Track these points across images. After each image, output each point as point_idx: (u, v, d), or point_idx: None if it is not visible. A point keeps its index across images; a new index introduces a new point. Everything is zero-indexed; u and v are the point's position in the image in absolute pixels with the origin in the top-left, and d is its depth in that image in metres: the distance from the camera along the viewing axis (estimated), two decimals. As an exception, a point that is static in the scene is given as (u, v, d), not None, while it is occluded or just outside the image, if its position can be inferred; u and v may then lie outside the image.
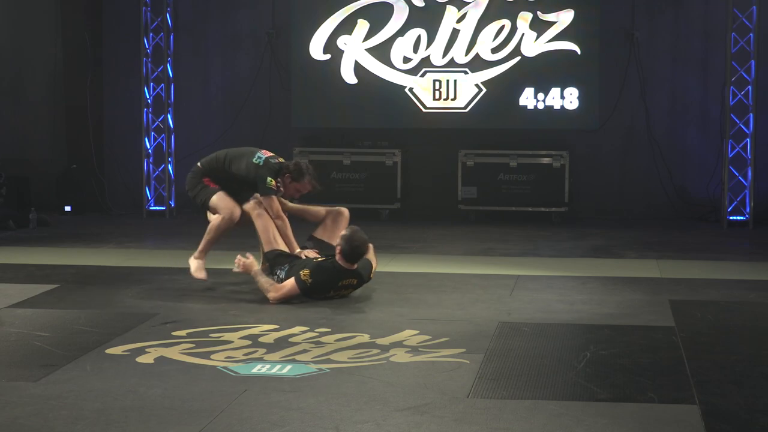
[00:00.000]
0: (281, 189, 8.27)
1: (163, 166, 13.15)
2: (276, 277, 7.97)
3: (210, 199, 8.39)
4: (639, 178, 12.89)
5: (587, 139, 12.79)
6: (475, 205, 12.65)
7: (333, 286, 7.79)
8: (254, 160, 8.27)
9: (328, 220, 8.41)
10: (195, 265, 8.38)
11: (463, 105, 12.65)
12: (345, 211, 8.45)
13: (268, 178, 8.16)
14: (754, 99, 12.14)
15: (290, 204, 8.51)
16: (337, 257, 7.77)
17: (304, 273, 7.70)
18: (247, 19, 13.37)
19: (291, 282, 7.73)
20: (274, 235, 8.17)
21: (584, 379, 5.74)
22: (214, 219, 8.46)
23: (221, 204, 8.36)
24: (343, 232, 7.84)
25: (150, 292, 8.11)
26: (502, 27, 12.53)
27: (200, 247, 8.43)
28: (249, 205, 8.31)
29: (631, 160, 12.93)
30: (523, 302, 7.85)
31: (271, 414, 5.11)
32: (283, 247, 8.16)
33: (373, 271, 8.01)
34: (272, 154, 8.39)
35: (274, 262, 8.10)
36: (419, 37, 12.65)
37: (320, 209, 8.52)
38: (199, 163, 8.59)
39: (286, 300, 7.69)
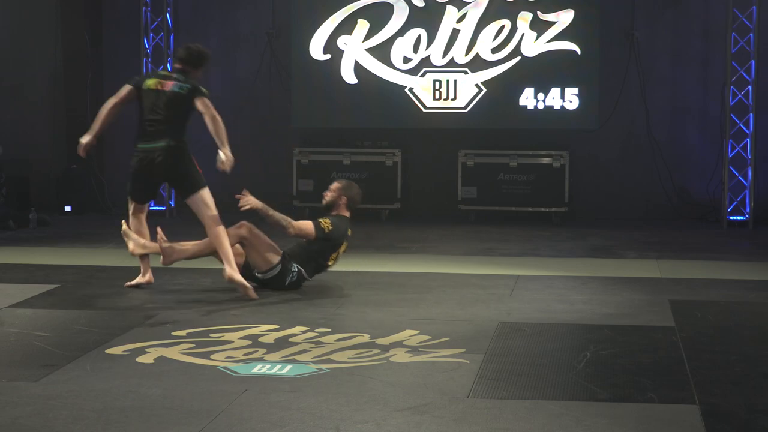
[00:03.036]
0: None
1: (163, 166, 13.13)
2: (292, 275, 8.14)
3: (205, 188, 8.05)
4: (639, 178, 12.89)
5: (587, 139, 12.79)
6: (475, 205, 12.65)
7: (345, 236, 8.25)
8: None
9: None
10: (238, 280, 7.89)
11: (463, 105, 12.65)
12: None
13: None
14: (754, 99, 12.14)
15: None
16: (342, 210, 8.32)
17: (325, 221, 8.14)
18: (247, 19, 13.38)
19: (309, 224, 8.09)
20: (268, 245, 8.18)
21: (584, 379, 5.74)
22: (219, 229, 7.97)
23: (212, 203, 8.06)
24: (341, 184, 8.42)
25: (150, 292, 8.10)
26: (502, 27, 12.53)
27: (228, 258, 7.89)
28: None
29: (631, 160, 12.93)
30: (523, 302, 7.85)
31: (271, 414, 5.11)
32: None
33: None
34: None
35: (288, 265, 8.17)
36: (419, 37, 12.65)
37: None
38: (173, 140, 8.12)
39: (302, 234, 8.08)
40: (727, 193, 12.21)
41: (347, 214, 8.39)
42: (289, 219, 8.11)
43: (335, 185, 8.45)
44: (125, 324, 7.01)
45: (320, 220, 8.18)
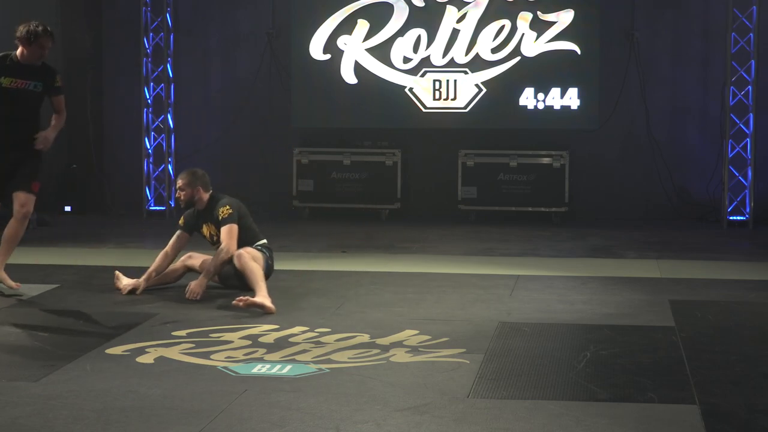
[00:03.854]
0: None
1: (163, 166, 13.15)
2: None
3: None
4: (639, 178, 12.89)
5: (587, 139, 12.79)
6: (475, 205, 12.65)
7: (240, 203, 8.12)
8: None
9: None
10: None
11: (463, 105, 12.65)
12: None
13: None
14: (754, 99, 12.14)
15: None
16: (204, 196, 8.04)
17: (222, 210, 7.93)
18: (247, 19, 13.38)
19: (227, 227, 7.86)
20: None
21: (584, 379, 5.74)
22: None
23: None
24: (185, 179, 8.04)
25: (150, 292, 8.10)
26: (502, 27, 12.53)
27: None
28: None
29: (631, 160, 12.93)
30: (523, 302, 7.85)
31: (271, 414, 5.11)
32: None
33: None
34: None
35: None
36: (419, 37, 12.65)
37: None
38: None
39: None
40: (727, 193, 12.21)
41: (209, 193, 8.09)
42: (217, 254, 7.84)
43: (180, 183, 8.08)
44: (125, 324, 7.01)
45: (220, 214, 7.91)
